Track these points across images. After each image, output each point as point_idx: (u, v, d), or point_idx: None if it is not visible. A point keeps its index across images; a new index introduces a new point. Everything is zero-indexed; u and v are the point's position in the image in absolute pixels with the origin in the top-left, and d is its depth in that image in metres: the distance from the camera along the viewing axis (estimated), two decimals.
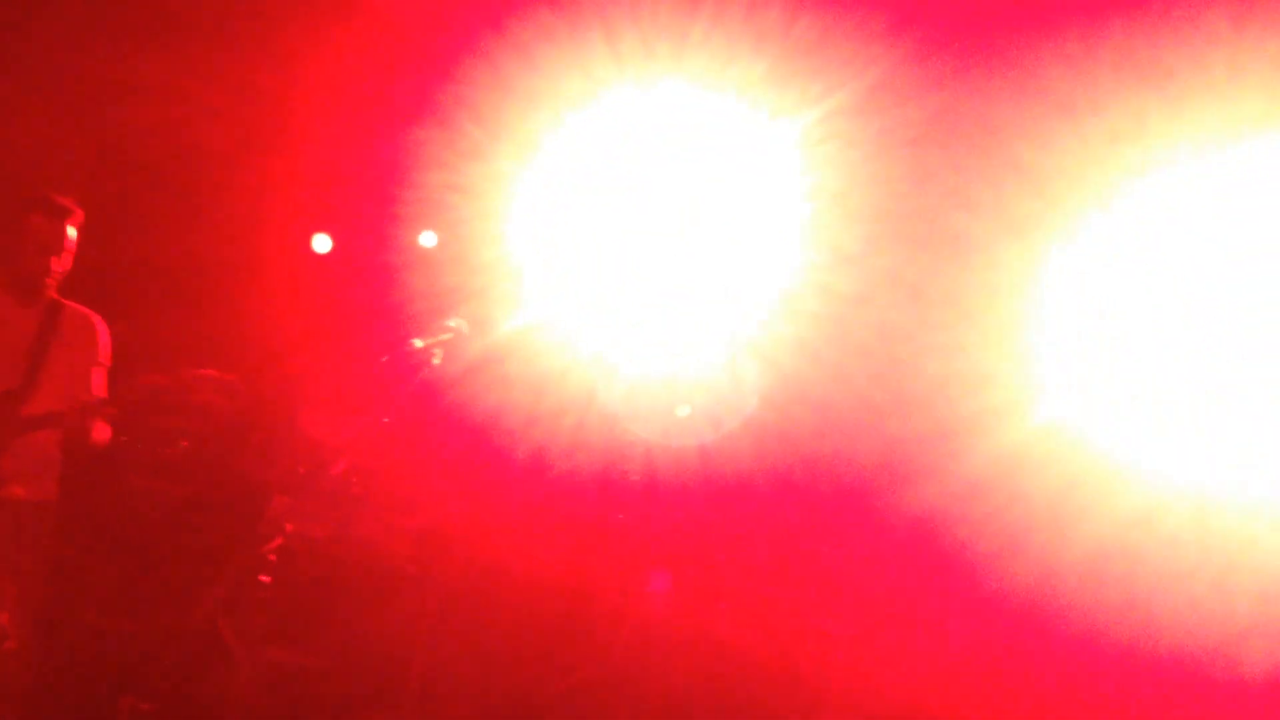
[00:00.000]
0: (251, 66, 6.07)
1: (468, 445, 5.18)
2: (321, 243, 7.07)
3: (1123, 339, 4.99)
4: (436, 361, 5.47)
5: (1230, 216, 4.76)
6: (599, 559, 4.61)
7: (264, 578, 4.98)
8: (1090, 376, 5.08)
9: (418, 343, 4.43)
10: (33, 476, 3.92)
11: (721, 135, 5.81)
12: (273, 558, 5.03)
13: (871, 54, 5.09)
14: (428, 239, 7.02)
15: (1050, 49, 4.80)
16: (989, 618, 4.85)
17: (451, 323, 4.57)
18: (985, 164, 5.05)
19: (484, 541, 4.78)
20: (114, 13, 5.69)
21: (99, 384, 4.10)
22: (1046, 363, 5.15)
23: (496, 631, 4.68)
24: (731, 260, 5.93)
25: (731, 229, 5.93)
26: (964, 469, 4.98)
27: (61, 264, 4.06)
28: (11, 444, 3.82)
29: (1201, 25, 4.56)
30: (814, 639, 5.05)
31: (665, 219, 6.11)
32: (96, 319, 4.21)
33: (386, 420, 5.34)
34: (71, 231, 4.06)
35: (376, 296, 6.49)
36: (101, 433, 3.97)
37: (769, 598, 5.09)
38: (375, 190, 6.69)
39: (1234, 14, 4.55)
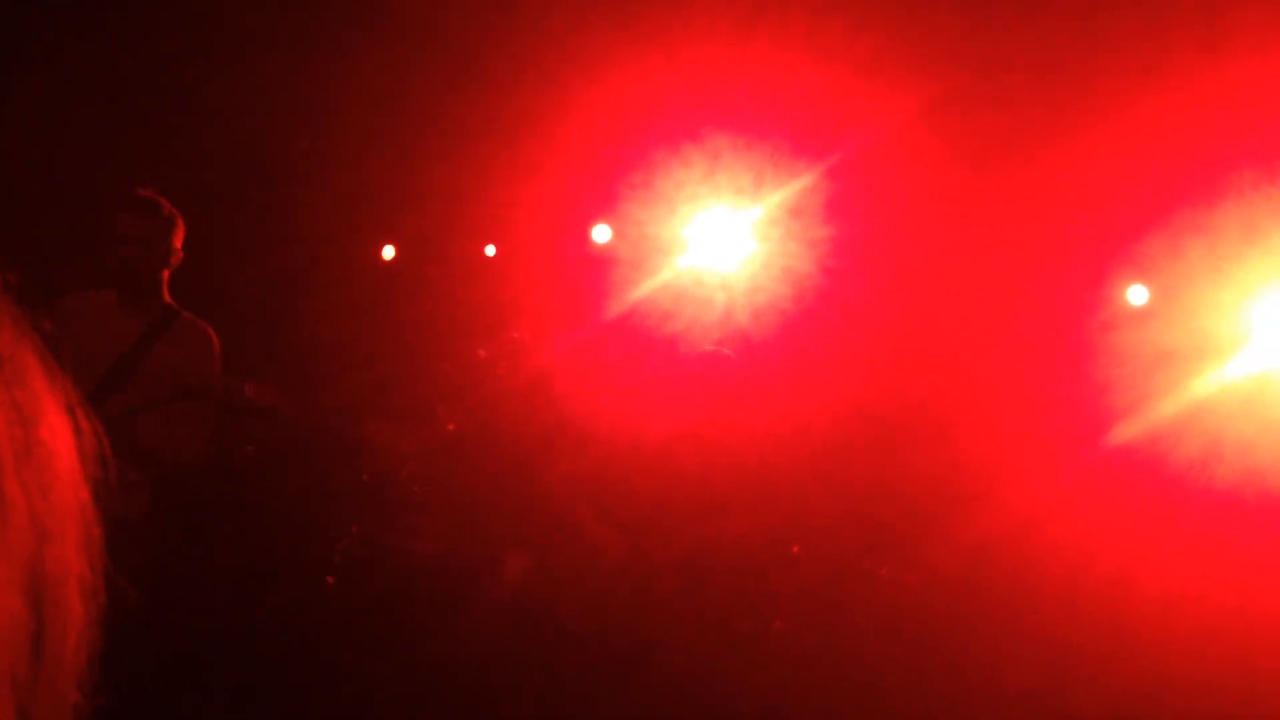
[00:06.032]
0: (323, 83, 6.22)
1: (530, 454, 5.24)
2: (388, 253, 7.22)
3: None
4: (500, 371, 5.58)
5: None
6: (667, 568, 4.64)
7: (329, 579, 5.07)
8: None
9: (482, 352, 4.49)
10: None
11: None
12: (338, 560, 5.12)
13: None
14: (489, 250, 7.15)
15: None
16: None
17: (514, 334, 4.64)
18: None
19: (550, 549, 4.84)
20: (196, 27, 5.83)
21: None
22: None
23: (563, 640, 4.72)
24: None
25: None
26: None
27: (160, 261, 3.90)
28: None
29: None
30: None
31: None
32: (207, 329, 4.03)
33: (451, 428, 5.45)
34: (166, 228, 3.89)
35: (442, 306, 6.60)
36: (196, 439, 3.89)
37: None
38: (440, 203, 6.81)
39: None
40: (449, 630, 4.75)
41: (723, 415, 4.76)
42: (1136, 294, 6.30)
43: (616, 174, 6.52)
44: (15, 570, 0.62)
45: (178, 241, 3.96)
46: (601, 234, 6.76)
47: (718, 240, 6.48)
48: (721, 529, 4.66)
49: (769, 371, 5.85)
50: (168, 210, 3.93)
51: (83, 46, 5.76)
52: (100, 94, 5.83)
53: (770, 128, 6.14)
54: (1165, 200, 5.59)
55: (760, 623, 4.78)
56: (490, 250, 7.19)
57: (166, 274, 3.97)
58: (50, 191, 5.79)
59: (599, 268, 6.59)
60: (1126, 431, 5.58)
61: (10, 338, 0.66)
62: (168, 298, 3.99)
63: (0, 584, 0.61)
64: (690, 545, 4.59)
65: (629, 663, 4.46)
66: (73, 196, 5.64)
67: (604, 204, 6.72)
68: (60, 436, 0.68)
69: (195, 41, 5.86)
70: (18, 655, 0.62)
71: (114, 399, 3.75)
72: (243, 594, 5.05)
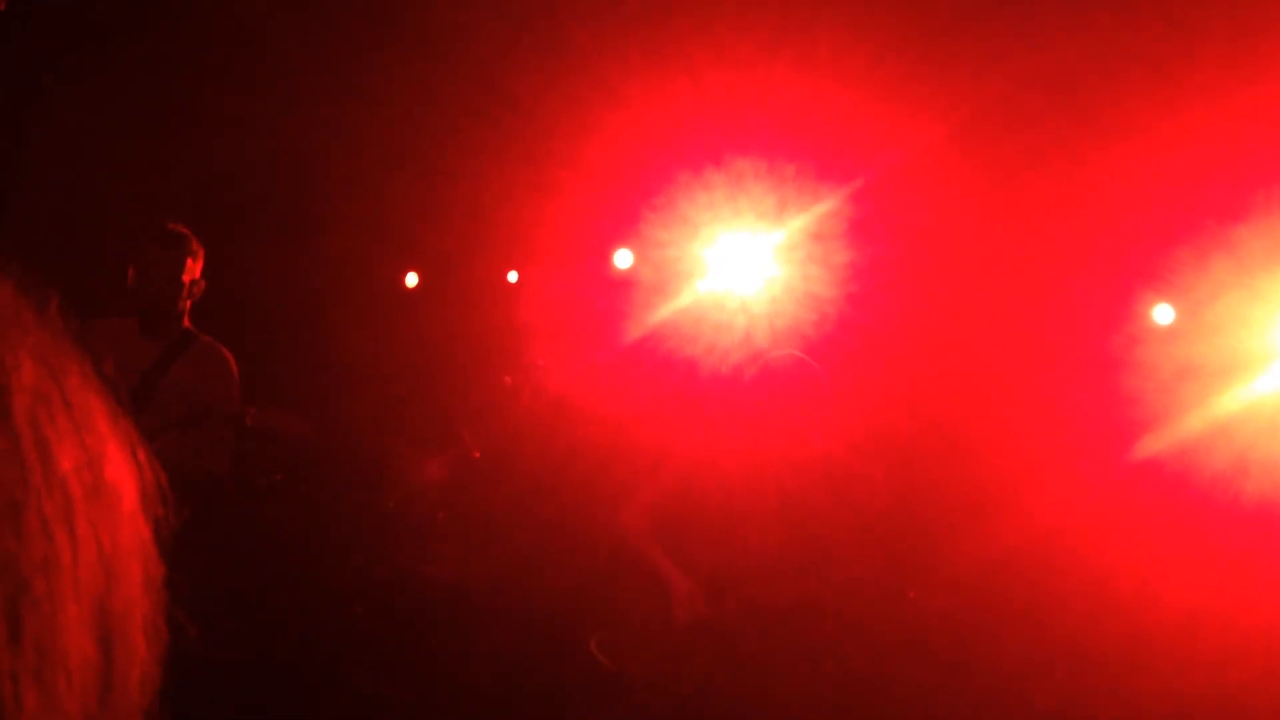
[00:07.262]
0: (345, 108, 6.26)
1: (554, 478, 5.24)
2: (411, 280, 7.25)
3: None
4: (524, 397, 5.59)
5: None
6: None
7: (357, 607, 5.08)
8: None
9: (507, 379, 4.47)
10: None
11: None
12: (365, 587, 5.12)
13: None
14: (512, 276, 7.18)
15: None
16: None
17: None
18: None
19: (571, 574, 4.83)
20: (222, 49, 5.88)
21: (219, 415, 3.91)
22: None
23: (578, 663, 4.68)
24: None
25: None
26: None
27: (185, 294, 4.00)
28: None
29: None
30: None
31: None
32: (224, 352, 4.10)
33: (477, 455, 5.46)
34: (192, 262, 4.00)
35: (465, 332, 6.62)
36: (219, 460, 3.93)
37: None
38: (463, 227, 6.84)
39: None
40: (478, 659, 4.74)
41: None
42: (1162, 313, 6.29)
43: (638, 197, 6.53)
44: (86, 610, 0.63)
45: (200, 273, 4.07)
46: (623, 259, 6.78)
47: (739, 264, 6.49)
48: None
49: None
50: (195, 245, 4.03)
51: (103, 70, 5.82)
52: (120, 117, 5.89)
53: (792, 151, 6.15)
54: (1191, 218, 5.57)
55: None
56: (513, 276, 7.22)
57: (189, 305, 4.06)
58: (75, 217, 5.84)
59: (621, 292, 6.61)
60: (1152, 448, 5.56)
61: (77, 383, 0.67)
62: (188, 324, 4.08)
63: (73, 624, 0.62)
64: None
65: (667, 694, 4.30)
66: (97, 223, 5.69)
67: (626, 228, 6.74)
68: (124, 477, 0.69)
69: (217, 64, 5.91)
70: (88, 694, 0.63)
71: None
72: (267, 620, 5.06)
